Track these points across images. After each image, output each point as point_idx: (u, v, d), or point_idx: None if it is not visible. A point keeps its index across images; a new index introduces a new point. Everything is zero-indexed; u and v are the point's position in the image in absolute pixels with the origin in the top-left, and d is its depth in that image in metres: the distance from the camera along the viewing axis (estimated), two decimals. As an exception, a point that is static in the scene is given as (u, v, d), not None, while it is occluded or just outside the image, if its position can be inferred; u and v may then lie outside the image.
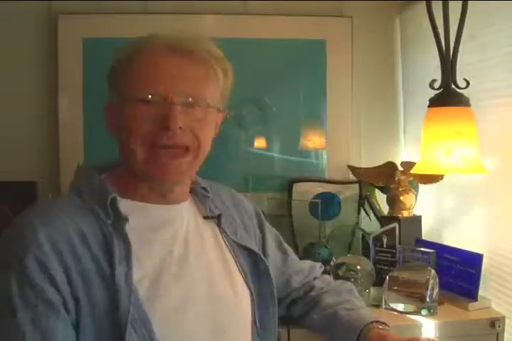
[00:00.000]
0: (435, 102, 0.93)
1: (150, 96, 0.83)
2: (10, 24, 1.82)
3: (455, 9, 0.92)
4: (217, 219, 0.98)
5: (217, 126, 0.93)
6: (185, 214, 0.94)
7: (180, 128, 0.83)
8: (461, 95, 0.91)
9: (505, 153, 1.34)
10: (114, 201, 0.85)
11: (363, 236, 1.71)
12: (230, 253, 0.97)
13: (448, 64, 0.91)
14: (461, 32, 0.91)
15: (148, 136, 0.83)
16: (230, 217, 1.02)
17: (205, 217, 0.97)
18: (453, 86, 0.92)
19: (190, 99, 0.85)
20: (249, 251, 1.00)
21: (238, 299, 0.94)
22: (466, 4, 0.90)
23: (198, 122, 0.86)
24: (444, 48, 0.91)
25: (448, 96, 0.91)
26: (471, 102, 1.02)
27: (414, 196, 1.65)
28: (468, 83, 0.91)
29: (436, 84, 0.93)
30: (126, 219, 0.84)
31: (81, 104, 1.82)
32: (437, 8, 1.03)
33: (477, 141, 0.91)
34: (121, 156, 0.88)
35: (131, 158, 0.85)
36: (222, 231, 0.98)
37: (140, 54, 0.86)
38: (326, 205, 1.79)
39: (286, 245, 1.18)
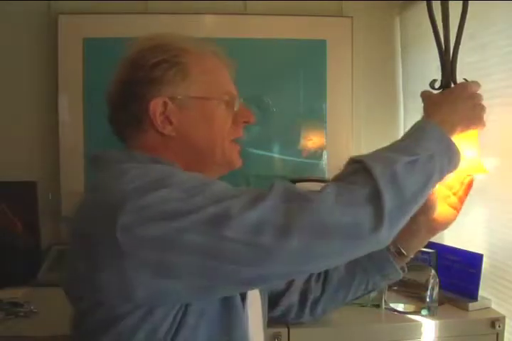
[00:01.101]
0: None
1: (229, 97, 0.89)
2: (10, 24, 1.82)
3: (456, 9, 0.92)
4: None
5: None
6: None
7: None
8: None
9: (505, 153, 1.34)
10: None
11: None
12: None
13: (448, 64, 0.91)
14: (462, 32, 0.91)
15: (231, 133, 0.90)
16: None
17: None
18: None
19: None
20: None
21: None
22: (467, 4, 0.90)
23: None
24: (444, 48, 0.91)
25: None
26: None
27: (414, 196, 1.65)
28: (468, 83, 0.92)
29: (437, 84, 0.93)
30: None
31: (81, 104, 1.82)
32: (438, 9, 1.03)
33: (477, 142, 0.91)
34: (183, 153, 0.87)
35: (219, 154, 0.89)
36: None
37: (191, 54, 0.88)
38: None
39: None
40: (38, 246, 1.71)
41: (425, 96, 0.91)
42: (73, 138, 1.83)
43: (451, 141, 0.81)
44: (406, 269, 1.09)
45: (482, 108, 0.87)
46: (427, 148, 0.77)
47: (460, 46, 0.93)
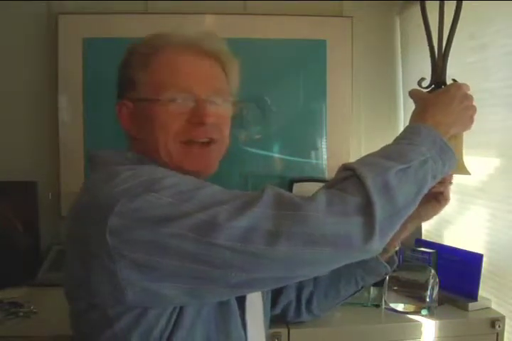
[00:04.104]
0: None
1: (183, 96, 0.86)
2: (10, 24, 1.82)
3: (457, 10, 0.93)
4: None
5: (230, 121, 0.96)
6: None
7: (211, 123, 0.87)
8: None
9: (505, 153, 1.34)
10: None
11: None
12: None
13: (439, 63, 0.91)
14: (454, 32, 0.90)
15: (181, 134, 0.86)
16: None
17: None
18: (443, 86, 0.92)
19: (216, 97, 0.88)
20: None
21: None
22: (460, 4, 0.89)
23: (222, 118, 0.90)
24: (436, 48, 0.91)
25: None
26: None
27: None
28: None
29: (425, 83, 0.93)
30: None
31: (81, 104, 1.82)
32: (437, 9, 1.03)
33: (462, 142, 0.91)
34: (148, 155, 0.87)
35: (165, 156, 0.86)
36: None
37: (162, 53, 0.87)
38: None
39: None
40: (38, 246, 1.71)
41: (416, 95, 0.90)
42: (73, 138, 1.82)
43: (446, 143, 0.80)
44: (396, 261, 1.06)
45: (474, 109, 0.87)
46: (421, 153, 0.76)
47: (460, 46, 0.93)
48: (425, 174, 0.75)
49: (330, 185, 0.75)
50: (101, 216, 0.70)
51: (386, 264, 1.04)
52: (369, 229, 0.68)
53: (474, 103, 0.87)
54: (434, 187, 0.83)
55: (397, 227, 0.73)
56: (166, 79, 0.86)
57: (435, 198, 0.94)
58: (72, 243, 0.77)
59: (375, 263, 1.03)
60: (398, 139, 0.81)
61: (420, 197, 0.75)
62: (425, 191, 0.77)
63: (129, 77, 0.88)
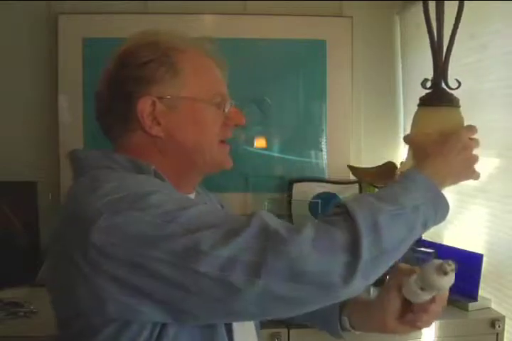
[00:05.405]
0: (424, 101, 0.93)
1: (220, 98, 0.87)
2: (10, 24, 1.82)
3: (456, 9, 0.92)
4: None
5: None
6: None
7: None
8: (451, 95, 0.91)
9: (505, 153, 1.34)
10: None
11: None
12: None
13: (440, 63, 0.91)
14: (456, 32, 0.90)
15: (220, 134, 0.89)
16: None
17: None
18: (444, 86, 0.91)
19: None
20: None
21: None
22: (463, 4, 0.89)
23: None
24: (437, 48, 0.91)
25: (437, 95, 0.91)
26: (470, 102, 1.02)
27: (414, 196, 1.65)
28: (459, 83, 0.91)
29: (428, 84, 0.92)
30: None
31: (81, 104, 1.82)
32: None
33: None
34: (170, 154, 0.86)
35: (205, 155, 0.87)
36: None
37: (184, 53, 0.86)
38: (326, 205, 1.78)
39: None
40: (38, 246, 1.71)
41: (413, 142, 0.89)
42: (73, 138, 1.83)
43: (440, 193, 0.78)
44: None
45: (475, 160, 0.85)
46: (414, 198, 0.74)
47: (460, 46, 0.92)
48: (415, 220, 0.73)
49: (321, 218, 0.73)
50: (84, 229, 0.69)
51: (342, 335, 0.98)
52: (352, 269, 0.66)
53: (475, 152, 0.84)
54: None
55: (381, 272, 0.71)
56: (204, 80, 0.87)
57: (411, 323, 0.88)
58: (57, 252, 0.76)
59: (334, 330, 0.98)
60: (393, 183, 0.80)
61: (408, 244, 0.74)
62: (414, 237, 0.74)
63: (146, 75, 0.84)
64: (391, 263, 0.73)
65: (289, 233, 0.68)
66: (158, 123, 0.84)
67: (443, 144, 0.83)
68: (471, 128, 0.85)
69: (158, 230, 0.68)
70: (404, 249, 0.74)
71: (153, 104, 0.83)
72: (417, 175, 0.78)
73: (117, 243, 0.68)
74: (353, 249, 0.67)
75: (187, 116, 0.85)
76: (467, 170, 0.85)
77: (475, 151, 0.84)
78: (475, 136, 0.85)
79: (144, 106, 0.83)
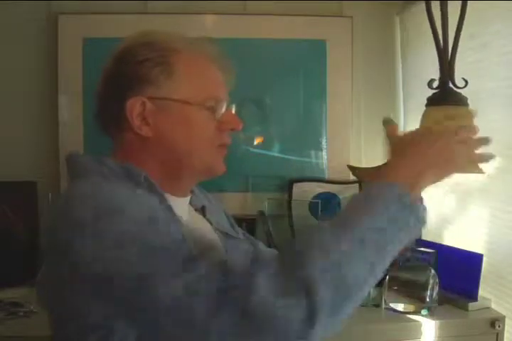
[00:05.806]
0: (432, 101, 0.92)
1: (214, 102, 0.86)
2: (10, 24, 1.82)
3: (456, 9, 0.92)
4: (202, 210, 0.98)
5: None
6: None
7: None
8: (459, 94, 0.91)
9: (505, 153, 1.34)
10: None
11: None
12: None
13: (446, 63, 0.91)
14: (460, 32, 0.90)
15: (215, 138, 0.87)
16: (208, 208, 1.02)
17: (196, 209, 0.98)
18: (451, 85, 0.91)
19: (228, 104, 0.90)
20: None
21: None
22: (466, 4, 0.89)
23: None
24: (442, 48, 0.91)
25: (445, 95, 0.91)
26: (471, 102, 1.02)
27: (414, 196, 1.65)
28: (466, 82, 0.91)
29: (435, 84, 0.92)
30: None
31: (81, 104, 1.82)
32: (437, 9, 1.03)
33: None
34: (159, 155, 0.85)
35: (189, 159, 0.85)
36: (208, 221, 0.98)
37: (181, 54, 0.85)
38: (326, 205, 1.79)
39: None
40: (38, 246, 1.70)
41: (391, 136, 0.85)
42: (73, 138, 1.83)
43: (407, 201, 0.71)
44: None
45: (461, 152, 0.79)
46: (376, 220, 0.68)
47: (460, 46, 0.92)
48: (383, 242, 0.67)
49: (279, 254, 0.70)
50: (61, 245, 0.73)
51: None
52: (311, 312, 0.62)
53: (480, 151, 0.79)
54: None
55: (353, 305, 0.68)
56: (198, 83, 0.85)
57: None
58: (46, 255, 0.80)
59: None
60: (356, 202, 0.74)
61: (382, 269, 0.68)
62: (388, 259, 0.69)
63: (141, 74, 0.83)
64: (364, 294, 0.69)
65: (243, 276, 0.65)
66: (147, 124, 0.83)
67: (416, 136, 0.81)
68: (469, 128, 0.84)
69: (119, 255, 0.68)
70: (376, 276, 0.69)
71: (143, 104, 0.83)
72: (383, 186, 0.73)
73: (83, 262, 0.69)
74: (310, 291, 0.62)
75: (177, 119, 0.84)
76: (450, 162, 0.78)
77: (479, 150, 0.82)
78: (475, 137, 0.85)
79: (132, 106, 0.82)
